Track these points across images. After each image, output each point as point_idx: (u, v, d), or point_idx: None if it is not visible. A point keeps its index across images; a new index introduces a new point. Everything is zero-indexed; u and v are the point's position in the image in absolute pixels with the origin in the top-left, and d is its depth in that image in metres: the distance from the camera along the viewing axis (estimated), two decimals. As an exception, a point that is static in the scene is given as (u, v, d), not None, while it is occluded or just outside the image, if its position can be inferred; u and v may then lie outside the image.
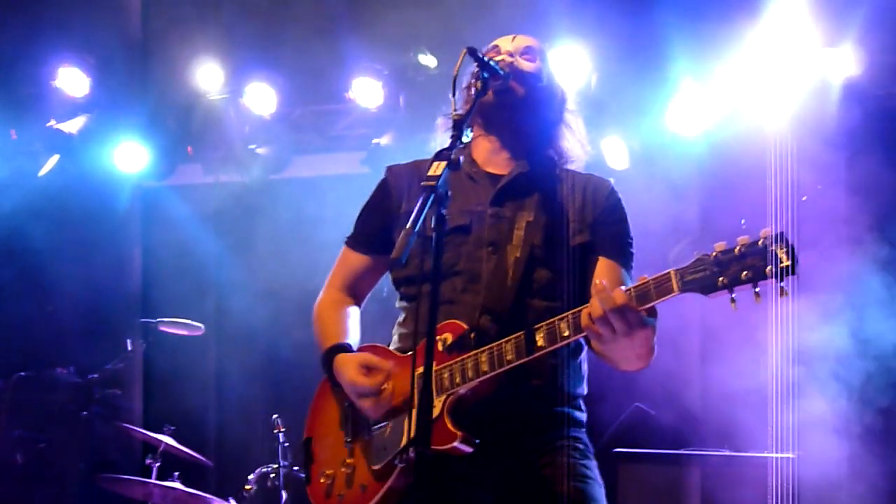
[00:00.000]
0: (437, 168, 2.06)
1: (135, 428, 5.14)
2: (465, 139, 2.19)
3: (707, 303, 2.13)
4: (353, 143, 6.15)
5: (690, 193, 5.18)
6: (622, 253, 2.51)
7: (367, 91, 5.71)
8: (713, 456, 4.50)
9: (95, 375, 5.40)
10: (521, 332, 2.31)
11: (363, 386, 2.43)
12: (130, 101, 6.14)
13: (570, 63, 4.99)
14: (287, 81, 5.92)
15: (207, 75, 5.88)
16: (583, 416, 2.55)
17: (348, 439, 2.53)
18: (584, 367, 2.59)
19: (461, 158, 2.14)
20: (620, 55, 5.06)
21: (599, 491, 2.43)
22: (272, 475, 4.86)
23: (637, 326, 2.18)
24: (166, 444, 4.90)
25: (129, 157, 6.28)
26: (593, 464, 2.48)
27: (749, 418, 4.45)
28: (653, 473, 4.50)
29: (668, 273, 2.15)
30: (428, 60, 5.51)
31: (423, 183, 2.03)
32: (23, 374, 5.89)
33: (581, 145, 2.65)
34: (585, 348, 2.57)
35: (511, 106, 2.51)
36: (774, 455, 4.15)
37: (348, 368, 2.48)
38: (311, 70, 5.76)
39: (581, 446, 2.48)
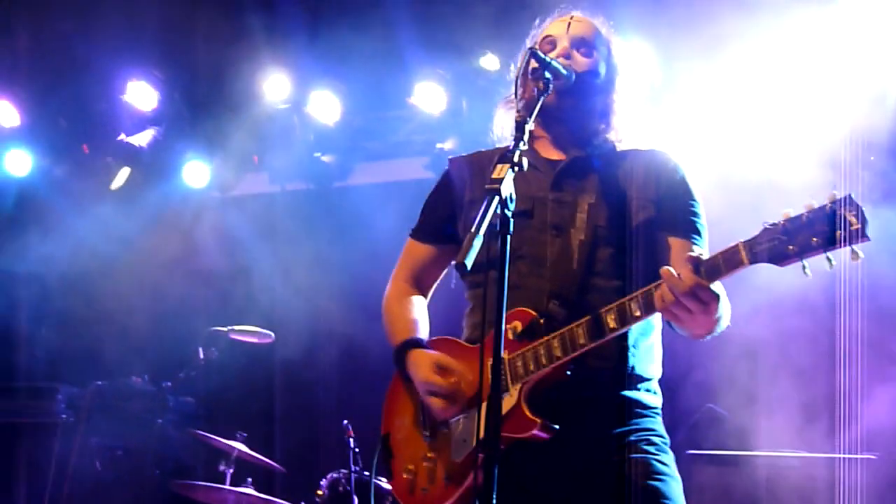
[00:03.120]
0: (501, 171, 2.13)
1: (208, 435, 5.30)
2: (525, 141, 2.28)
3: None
4: (416, 149, 6.29)
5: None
6: (691, 227, 2.52)
7: (429, 96, 5.88)
8: (785, 457, 4.49)
9: (169, 384, 5.55)
10: (591, 316, 2.36)
11: (437, 385, 2.48)
12: (197, 114, 6.40)
13: (635, 58, 4.99)
14: (350, 89, 6.10)
15: (272, 85, 6.11)
16: (657, 399, 2.56)
17: (427, 433, 2.57)
18: (658, 348, 2.61)
19: (524, 160, 2.17)
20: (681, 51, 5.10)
21: (677, 487, 2.44)
22: (343, 480, 5.00)
23: (712, 301, 2.22)
24: (239, 450, 5.09)
25: (196, 169, 6.56)
26: (670, 458, 2.49)
27: (822, 416, 4.46)
28: (725, 474, 4.51)
29: (737, 245, 2.17)
30: (489, 63, 5.63)
31: (487, 186, 2.10)
32: (99, 383, 6.13)
33: (640, 122, 2.70)
34: (657, 328, 2.60)
35: (571, 106, 2.60)
36: (851, 456, 4.11)
37: (422, 366, 2.54)
38: (374, 76, 5.96)
39: (657, 439, 2.50)
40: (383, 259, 3.01)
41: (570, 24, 2.67)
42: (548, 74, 2.45)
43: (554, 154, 2.70)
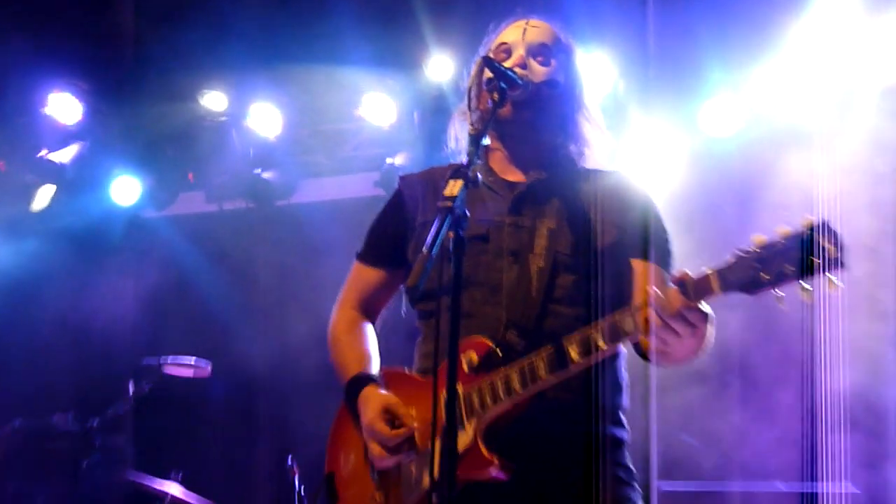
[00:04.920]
0: (454, 187, 2.13)
1: (140, 477, 5.16)
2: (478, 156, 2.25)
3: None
4: (365, 164, 6.28)
5: (726, 197, 5.30)
6: (659, 251, 2.56)
7: (378, 108, 5.85)
8: (764, 493, 4.51)
9: (95, 422, 5.42)
10: (552, 346, 2.36)
11: (382, 435, 2.48)
12: (127, 127, 6.32)
13: (594, 70, 5.14)
14: (292, 100, 6.07)
15: (209, 96, 6.06)
16: (624, 433, 2.56)
17: (375, 473, 2.56)
18: (624, 374, 2.61)
19: (479, 175, 2.22)
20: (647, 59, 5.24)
21: None
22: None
23: (701, 322, 2.21)
24: (172, 495, 4.98)
25: (126, 185, 6.43)
26: (637, 494, 2.50)
27: (799, 445, 4.51)
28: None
29: (707, 274, 2.18)
30: (441, 72, 5.65)
31: (439, 203, 2.10)
32: (17, 423, 5.94)
33: (601, 136, 2.73)
34: (622, 355, 2.61)
35: (529, 119, 2.61)
36: (835, 489, 4.15)
37: (371, 408, 2.53)
38: (318, 87, 5.94)
39: (622, 474, 2.49)
40: (329, 282, 2.98)
41: (525, 29, 2.67)
42: (503, 84, 2.45)
43: (512, 174, 2.70)
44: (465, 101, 2.54)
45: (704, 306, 2.23)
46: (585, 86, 2.76)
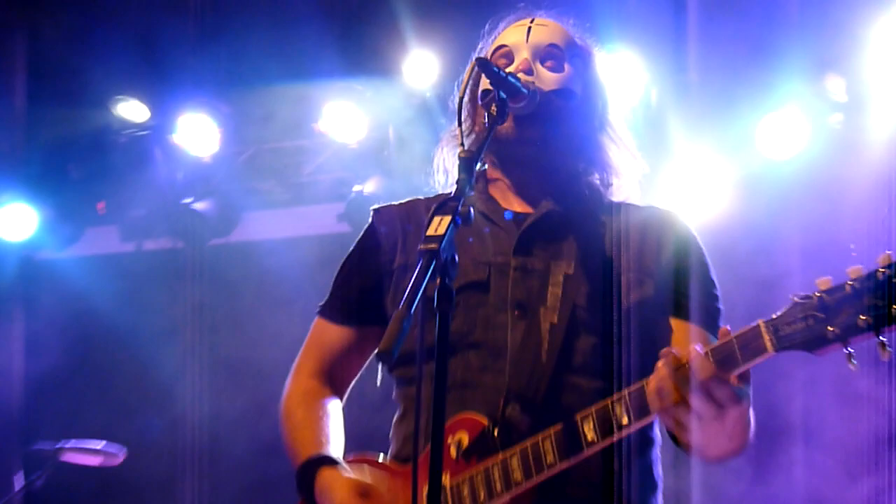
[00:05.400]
0: (440, 225, 2.15)
1: None
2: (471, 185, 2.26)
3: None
4: (326, 193, 6.30)
5: (786, 231, 5.38)
6: (703, 309, 2.59)
7: (343, 121, 5.89)
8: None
9: None
10: (562, 424, 2.39)
11: None
12: (19, 145, 6.32)
13: (620, 75, 5.21)
14: (235, 110, 6.11)
15: (125, 105, 6.07)
16: None
17: None
18: (658, 469, 2.64)
19: (470, 210, 2.19)
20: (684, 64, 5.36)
21: None
22: None
23: (729, 402, 2.23)
24: None
25: (17, 217, 6.36)
26: None
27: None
28: None
29: (757, 326, 2.21)
30: (424, 76, 5.68)
31: (421, 246, 2.11)
32: None
33: (631, 161, 2.80)
34: (658, 440, 2.64)
35: (537, 138, 2.66)
36: None
37: (338, 491, 2.54)
38: (268, 95, 5.98)
39: None
40: (281, 343, 2.99)
41: (530, 28, 2.73)
42: (502, 94, 2.49)
43: (518, 205, 2.76)
44: (456, 119, 2.59)
45: (739, 383, 2.25)
46: (609, 98, 2.82)
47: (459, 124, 2.58)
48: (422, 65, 5.70)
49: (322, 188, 6.40)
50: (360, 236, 2.86)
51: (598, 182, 2.79)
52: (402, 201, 2.87)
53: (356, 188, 6.07)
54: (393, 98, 5.89)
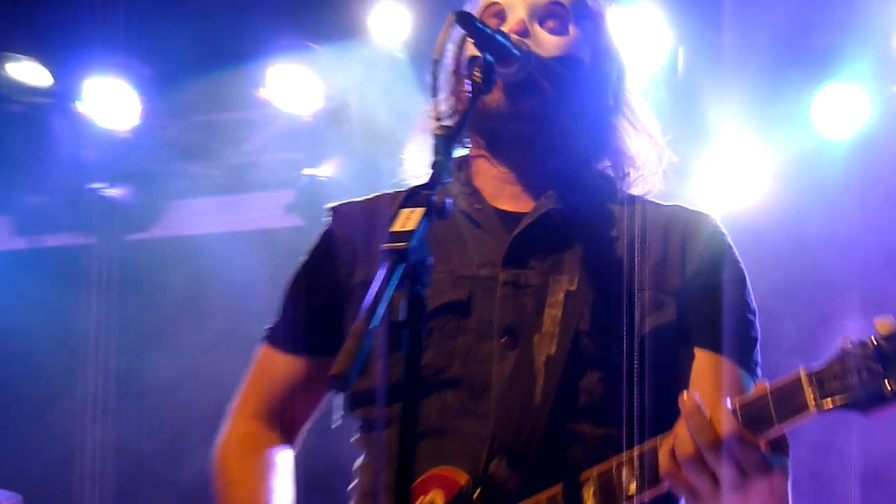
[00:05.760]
0: (409, 219, 2.10)
1: None
2: (449, 172, 2.25)
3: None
4: (271, 177, 6.35)
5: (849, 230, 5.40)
6: (738, 341, 2.62)
7: (293, 88, 5.91)
8: None
9: None
10: (559, 486, 2.39)
11: None
12: None
13: (640, 32, 5.24)
14: (157, 74, 6.09)
15: (18, 66, 6.03)
16: None
17: None
18: None
19: (447, 200, 2.17)
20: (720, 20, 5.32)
21: None
22: None
23: (757, 471, 2.24)
24: None
25: None
26: None
27: None
28: None
29: (798, 378, 2.23)
30: (393, 32, 5.70)
31: (385, 246, 2.07)
32: None
33: (653, 146, 2.82)
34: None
35: (532, 114, 2.66)
36: None
37: None
38: (199, 56, 5.93)
39: None
40: (214, 366, 2.93)
41: None
42: (488, 57, 2.47)
43: (509, 201, 2.75)
44: (430, 91, 2.55)
45: (777, 445, 2.26)
46: (626, 68, 2.83)
47: (433, 95, 2.53)
48: (391, 18, 5.71)
49: (267, 171, 6.43)
50: (314, 243, 2.87)
51: (611, 173, 2.80)
52: (367, 197, 2.88)
53: (308, 171, 6.11)
54: (355, 60, 5.89)
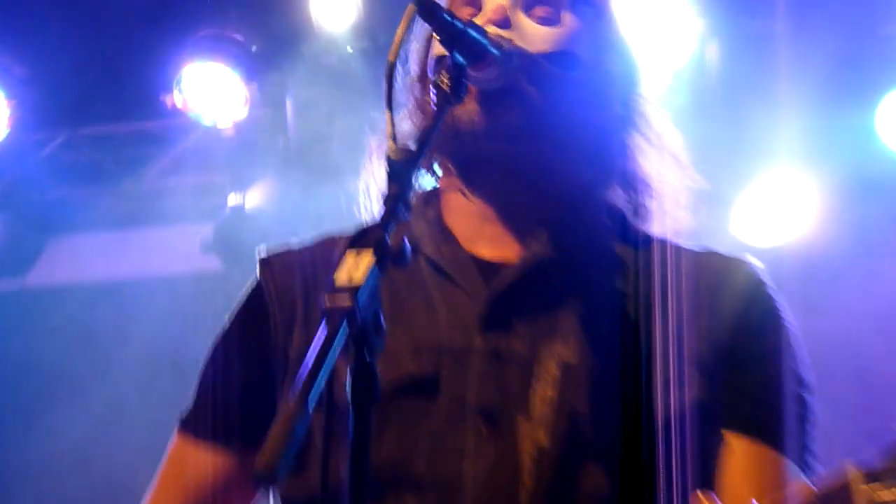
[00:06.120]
0: (357, 268, 2.09)
1: None
2: (408, 211, 2.23)
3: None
4: (184, 207, 6.39)
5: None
6: (786, 425, 2.64)
7: (213, 91, 5.97)
8: None
9: None
10: None
11: None
12: None
13: (659, 20, 5.26)
14: (34, 75, 6.13)
15: None
16: None
17: None
18: None
19: (406, 244, 2.13)
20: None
21: None
22: None
23: None
24: None
25: None
26: None
27: None
28: None
29: (846, 483, 2.21)
30: (341, 20, 5.74)
31: (325, 302, 2.07)
32: None
33: (677, 170, 2.83)
34: None
35: (517, 129, 2.64)
36: None
37: None
38: (89, 49, 5.96)
39: None
40: (109, 454, 2.88)
41: None
42: (458, 57, 2.48)
43: (489, 246, 2.77)
44: (384, 101, 2.53)
45: None
46: (638, 68, 2.84)
47: (389, 107, 2.51)
48: (338, 3, 5.75)
49: (177, 200, 6.44)
50: (240, 301, 2.88)
51: (620, 206, 2.81)
52: (308, 243, 2.89)
53: (233, 200, 6.16)
54: (292, 56, 5.97)
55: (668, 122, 2.85)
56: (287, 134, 6.07)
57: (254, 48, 5.98)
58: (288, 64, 6.01)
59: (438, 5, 2.47)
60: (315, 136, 5.93)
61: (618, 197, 2.81)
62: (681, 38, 5.40)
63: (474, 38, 2.50)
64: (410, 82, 2.82)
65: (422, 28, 2.65)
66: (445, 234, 2.77)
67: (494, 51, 2.53)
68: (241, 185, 6.17)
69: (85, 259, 6.68)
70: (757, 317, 2.70)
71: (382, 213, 2.19)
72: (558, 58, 2.68)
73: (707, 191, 2.86)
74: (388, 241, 2.12)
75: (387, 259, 2.11)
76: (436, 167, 2.77)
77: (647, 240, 2.78)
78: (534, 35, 2.67)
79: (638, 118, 2.81)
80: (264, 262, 2.88)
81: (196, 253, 6.30)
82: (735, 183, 5.37)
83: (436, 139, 2.40)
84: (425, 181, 2.76)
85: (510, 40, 2.61)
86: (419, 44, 2.79)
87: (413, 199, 2.32)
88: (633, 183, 2.80)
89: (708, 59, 5.51)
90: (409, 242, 2.15)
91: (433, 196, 2.80)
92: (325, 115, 5.88)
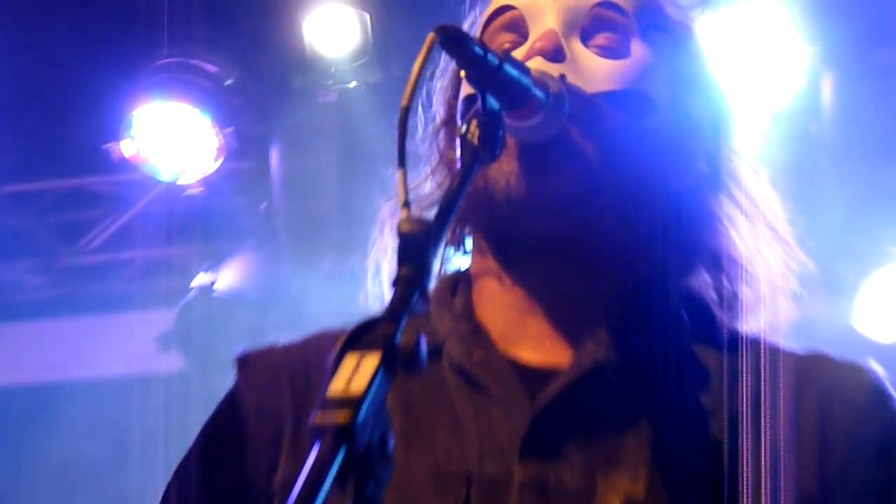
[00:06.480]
0: (357, 375, 2.04)
1: None
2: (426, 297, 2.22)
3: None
4: (135, 289, 6.43)
5: None
6: None
7: (171, 139, 6.01)
8: None
9: None
10: None
11: None
12: None
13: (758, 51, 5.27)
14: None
15: None
16: None
17: None
18: None
19: (421, 344, 2.14)
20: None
21: None
22: None
23: None
24: None
25: None
26: None
27: None
28: None
29: None
30: (342, 49, 5.77)
31: (317, 424, 2.04)
32: None
33: (780, 249, 2.81)
34: None
35: (567, 200, 2.64)
36: None
37: None
38: (16, 86, 6.00)
39: None
40: None
41: None
42: (491, 101, 2.44)
43: (533, 348, 2.75)
44: (399, 153, 2.50)
45: None
46: (730, 113, 2.84)
47: (402, 164, 2.48)
48: (341, 25, 5.78)
49: (127, 278, 6.53)
50: (213, 414, 2.90)
51: (705, 295, 2.80)
52: (298, 340, 2.89)
53: (200, 280, 6.18)
54: (278, 91, 6.03)
55: (767, 183, 2.82)
56: (271, 194, 6.10)
57: (228, 82, 6.01)
58: (273, 102, 6.07)
59: (464, 33, 2.43)
60: (307, 198, 5.98)
61: (700, 284, 2.78)
62: (785, 72, 5.41)
63: (512, 77, 2.46)
64: (434, 129, 2.82)
65: (446, 61, 2.66)
66: (477, 332, 2.74)
67: (539, 93, 2.49)
68: (211, 261, 6.16)
69: (7, 354, 6.74)
70: (880, 441, 2.70)
71: (391, 302, 2.14)
72: (625, 100, 2.68)
73: (819, 275, 2.82)
74: (399, 340, 2.05)
75: (397, 363, 2.03)
76: (467, 242, 2.77)
77: (738, 340, 2.75)
78: (594, 70, 2.68)
79: (728, 179, 2.80)
80: (242, 364, 2.88)
81: (151, 349, 6.31)
82: (856, 263, 5.35)
83: (464, 208, 2.42)
84: (452, 262, 2.75)
85: (562, 77, 2.58)
86: (446, 79, 2.82)
87: (435, 285, 2.43)
88: (720, 265, 2.79)
89: (821, 98, 5.50)
90: (429, 342, 2.08)
91: (462, 282, 2.79)
92: (320, 171, 5.93)
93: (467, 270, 2.80)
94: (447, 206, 2.31)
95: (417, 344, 2.05)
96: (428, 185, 2.80)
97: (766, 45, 5.35)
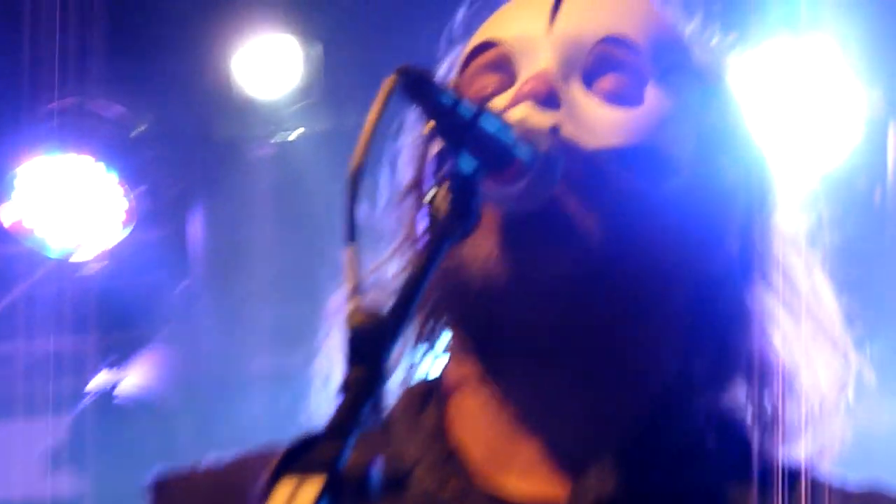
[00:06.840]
0: None
1: None
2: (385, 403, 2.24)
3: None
4: (20, 392, 6.39)
5: None
6: None
7: (62, 207, 6.06)
8: None
9: None
10: None
11: None
12: None
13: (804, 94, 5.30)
14: None
15: None
16: None
17: None
18: None
19: (372, 470, 2.16)
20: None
21: None
22: None
23: None
24: None
25: None
26: None
27: None
28: None
29: None
30: (278, 89, 5.88)
31: None
32: None
33: (835, 356, 2.81)
34: None
35: (561, 289, 2.63)
36: None
37: None
38: None
39: None
40: None
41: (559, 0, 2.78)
42: (465, 163, 2.43)
43: (519, 480, 2.75)
44: (348, 227, 2.50)
45: None
46: (770, 176, 2.86)
47: (352, 238, 2.50)
48: (275, 64, 5.93)
49: (7, 378, 6.54)
50: None
51: (736, 414, 2.80)
52: (223, 462, 2.92)
53: (101, 379, 6.28)
54: (200, 143, 6.13)
55: (817, 268, 2.82)
56: (190, 272, 6.13)
57: (136, 131, 6.05)
58: (194, 156, 6.12)
59: (430, 77, 2.42)
60: (236, 277, 5.99)
61: (731, 399, 2.78)
62: (839, 122, 5.44)
63: (487, 134, 2.47)
64: (399, 196, 2.83)
65: (411, 111, 2.69)
66: (450, 456, 2.73)
67: (524, 151, 2.47)
68: (114, 357, 6.18)
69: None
70: None
71: (337, 414, 2.15)
72: (636, 158, 2.67)
73: (881, 385, 2.84)
74: (345, 464, 2.07)
75: (344, 492, 2.06)
76: (442, 340, 2.76)
77: (778, 470, 2.76)
78: (597, 120, 2.67)
79: (767, 263, 2.80)
80: (158, 492, 2.91)
81: (39, 466, 6.35)
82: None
83: (435, 296, 2.53)
84: (425, 365, 2.75)
85: (554, 129, 2.57)
86: (416, 132, 2.81)
87: (401, 396, 2.51)
88: (756, 377, 2.77)
89: (886, 155, 5.56)
90: (394, 468, 2.20)
91: (435, 392, 2.77)
92: (252, 243, 5.97)
93: (441, 378, 2.78)
94: (408, 294, 2.29)
95: (367, 470, 2.06)
96: (393, 266, 2.77)
97: (817, 88, 5.35)
